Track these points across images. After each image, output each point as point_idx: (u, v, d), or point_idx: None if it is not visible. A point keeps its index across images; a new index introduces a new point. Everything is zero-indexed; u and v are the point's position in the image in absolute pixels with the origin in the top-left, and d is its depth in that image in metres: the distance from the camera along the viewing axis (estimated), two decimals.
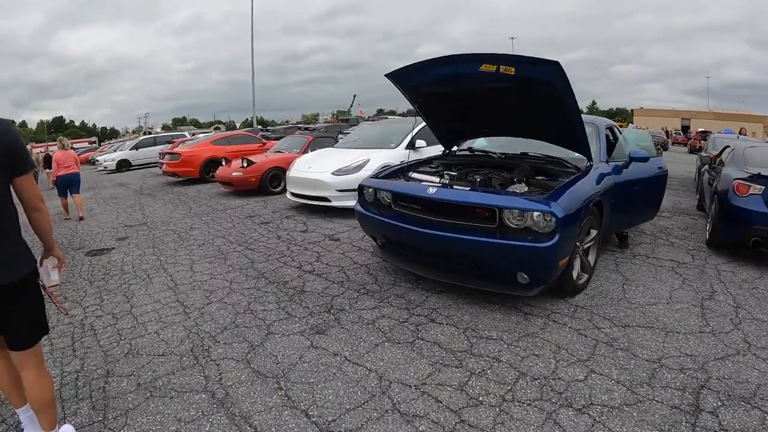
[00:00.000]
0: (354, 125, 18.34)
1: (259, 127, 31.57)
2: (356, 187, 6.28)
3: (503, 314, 3.06)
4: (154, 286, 3.96)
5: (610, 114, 78.49)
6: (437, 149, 7.49)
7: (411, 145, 6.94)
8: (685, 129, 43.39)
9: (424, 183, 3.51)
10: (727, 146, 5.82)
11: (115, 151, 20.06)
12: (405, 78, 3.72)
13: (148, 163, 17.85)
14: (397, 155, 6.68)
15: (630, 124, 32.14)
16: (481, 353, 2.59)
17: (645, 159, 4.03)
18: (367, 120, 33.26)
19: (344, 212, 6.12)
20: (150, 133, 32.27)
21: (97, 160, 19.65)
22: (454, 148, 4.70)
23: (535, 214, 2.80)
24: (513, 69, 2.95)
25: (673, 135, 34.81)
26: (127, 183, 12.64)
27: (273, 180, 8.60)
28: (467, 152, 4.49)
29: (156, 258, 4.82)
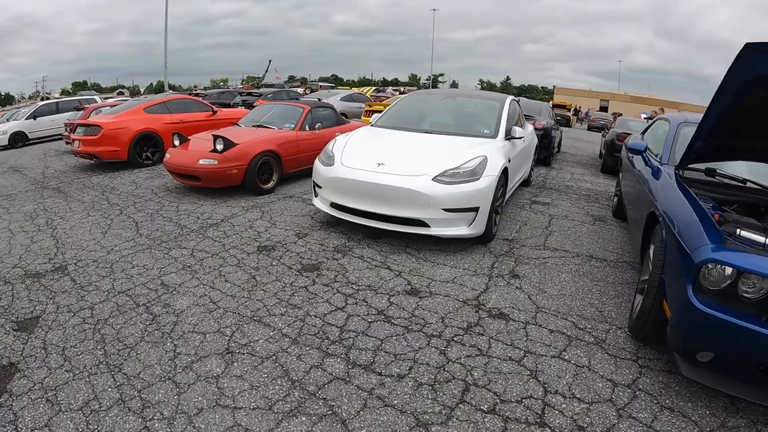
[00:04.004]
0: (279, 91, 15.73)
1: (170, 91, 26.95)
2: (474, 205, 3.50)
3: None
4: None
5: (522, 90, 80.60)
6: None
7: (508, 133, 4.52)
8: (604, 110, 43.62)
9: None
10: None
11: (7, 120, 15.13)
12: None
13: (49, 136, 13.53)
14: (502, 149, 4.21)
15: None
16: None
17: None
18: (284, 86, 29.83)
19: (433, 240, 3.57)
20: (48, 99, 25.91)
21: None
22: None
23: None
24: None
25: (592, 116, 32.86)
26: (23, 167, 8.40)
27: (263, 171, 5.58)
28: (704, 175, 3.07)
29: None
